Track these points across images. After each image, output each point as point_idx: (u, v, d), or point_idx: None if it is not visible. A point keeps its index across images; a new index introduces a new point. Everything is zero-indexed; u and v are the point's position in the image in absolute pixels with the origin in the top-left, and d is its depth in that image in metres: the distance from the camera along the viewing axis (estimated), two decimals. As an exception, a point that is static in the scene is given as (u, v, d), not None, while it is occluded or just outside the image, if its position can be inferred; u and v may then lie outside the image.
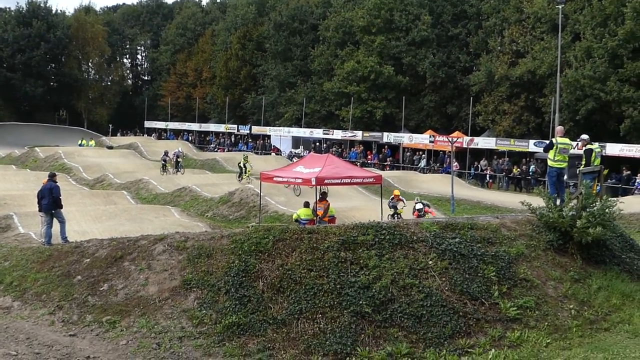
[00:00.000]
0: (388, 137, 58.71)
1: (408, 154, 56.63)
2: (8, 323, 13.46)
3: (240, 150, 68.88)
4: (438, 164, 53.44)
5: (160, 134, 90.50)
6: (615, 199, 17.81)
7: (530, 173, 45.15)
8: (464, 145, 50.66)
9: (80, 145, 69.66)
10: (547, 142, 19.72)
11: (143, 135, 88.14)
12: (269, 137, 72.78)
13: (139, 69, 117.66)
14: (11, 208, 29.60)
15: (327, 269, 13.65)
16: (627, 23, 42.13)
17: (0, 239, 24.31)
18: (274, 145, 70.37)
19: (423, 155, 55.21)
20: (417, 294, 13.34)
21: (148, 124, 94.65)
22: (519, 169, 46.40)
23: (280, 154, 65.78)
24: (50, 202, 19.32)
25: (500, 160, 48.85)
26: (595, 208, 15.17)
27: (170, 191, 37.72)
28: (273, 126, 73.77)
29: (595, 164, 18.13)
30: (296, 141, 69.65)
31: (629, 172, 40.23)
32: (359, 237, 14.46)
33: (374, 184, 29.51)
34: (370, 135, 60.57)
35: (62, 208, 19.70)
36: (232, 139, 78.27)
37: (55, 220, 19.49)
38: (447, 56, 60.34)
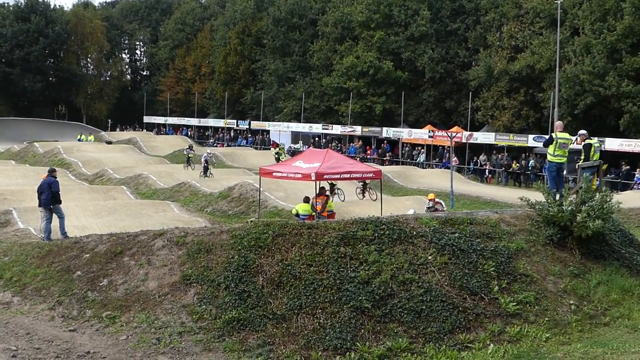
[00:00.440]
0: (387, 132, 58.72)
1: (407, 148, 56.60)
2: (8, 318, 13.47)
3: (239, 145, 68.90)
4: (437, 159, 53.43)
5: (159, 129, 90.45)
6: (613, 191, 17.78)
7: (530, 168, 45.15)
8: (463, 140, 50.66)
9: (79, 140, 69.61)
10: (547, 137, 19.72)
11: (142, 131, 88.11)
12: (268, 132, 72.75)
13: (138, 64, 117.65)
14: (10, 203, 29.57)
15: (327, 264, 13.65)
16: (625, 18, 42.14)
17: (-1, 234, 24.33)
18: (273, 140, 70.30)
19: (422, 150, 55.18)
20: (417, 289, 13.34)
21: (147, 119, 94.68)
22: (518, 164, 46.40)
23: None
24: (49, 197, 19.32)
25: (500, 155, 48.84)
26: (594, 202, 15.18)
27: (169, 186, 37.70)
28: (272, 121, 73.75)
29: (594, 159, 18.15)
30: (295, 136, 69.61)
31: (628, 167, 40.20)
32: (358, 232, 14.46)
33: (373, 179, 29.41)
34: (370, 130, 60.56)
35: (60, 203, 19.69)
36: (231, 134, 78.23)
37: (54, 216, 19.49)
38: (446, 51, 60.34)
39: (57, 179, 19.90)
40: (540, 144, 42.93)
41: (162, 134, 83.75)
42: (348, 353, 12.07)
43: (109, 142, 67.03)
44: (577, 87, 44.54)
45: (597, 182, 18.15)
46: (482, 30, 56.63)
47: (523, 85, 51.21)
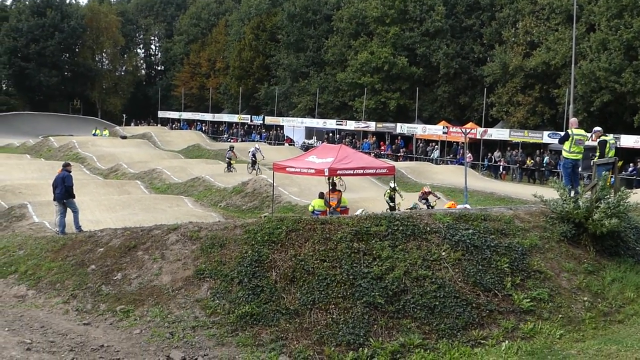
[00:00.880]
0: (401, 128, 58.60)
1: (421, 144, 56.47)
2: (23, 311, 13.55)
3: (253, 141, 68.86)
4: (451, 155, 53.28)
5: (174, 124, 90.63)
6: (629, 190, 17.64)
7: (544, 164, 44.96)
8: (478, 137, 50.50)
9: (94, 134, 69.83)
10: (562, 133, 19.61)
11: (157, 125, 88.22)
12: (282, 127, 72.73)
13: (153, 59, 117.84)
14: (26, 197, 29.77)
15: (340, 260, 13.65)
16: (643, 15, 41.88)
17: (15, 227, 24.47)
18: (287, 136, 70.33)
19: (436, 146, 55.07)
20: (430, 285, 13.32)
21: (161, 114, 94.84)
22: (532, 161, 46.20)
23: (294, 145, 65.72)
24: (62, 191, 19.37)
25: (514, 152, 48.66)
26: (610, 200, 15.10)
27: (183, 181, 37.79)
28: (286, 116, 73.74)
29: (609, 156, 18.02)
30: (309, 132, 69.56)
31: (643, 164, 40.01)
32: (371, 227, 14.44)
33: (386, 175, 29.34)
34: (384, 126, 60.44)
35: (74, 198, 19.72)
36: (245, 129, 78.30)
37: (69, 210, 19.57)
38: (460, 47, 60.10)
39: (71, 173, 19.92)
40: (555, 141, 42.78)
41: (177, 129, 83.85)
42: (361, 348, 12.07)
43: (124, 137, 67.20)
44: (592, 83, 44.29)
45: (612, 179, 18.03)
46: (498, 26, 56.35)
47: (538, 82, 50.96)
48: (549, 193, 16.75)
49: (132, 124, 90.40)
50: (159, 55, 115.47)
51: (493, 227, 15.03)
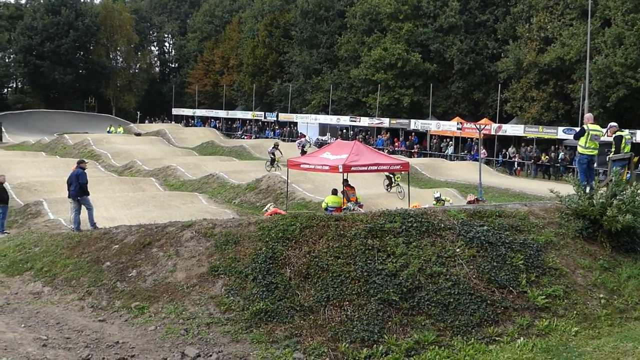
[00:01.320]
0: (415, 124, 58.48)
1: (435, 141, 56.35)
2: (39, 308, 13.62)
3: (267, 137, 68.90)
4: (465, 151, 53.13)
5: (188, 121, 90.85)
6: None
7: (559, 160, 44.74)
8: (492, 133, 50.33)
9: (108, 132, 70.18)
10: (578, 129, 19.50)
11: (170, 122, 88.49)
12: (295, 124, 72.74)
13: (167, 56, 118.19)
14: (41, 194, 29.95)
15: (354, 257, 13.64)
16: (659, 9, 41.58)
17: (30, 224, 24.65)
18: (300, 132, 70.32)
19: (450, 142, 54.92)
20: (445, 282, 13.29)
21: (175, 111, 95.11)
22: (547, 156, 45.99)
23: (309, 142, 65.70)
24: (76, 188, 19.46)
25: (529, 148, 48.44)
26: (625, 195, 15.00)
27: (197, 178, 37.88)
28: (300, 113, 73.74)
29: (625, 151, 17.89)
30: (323, 128, 69.54)
31: (659, 159, 39.71)
32: (386, 224, 14.41)
33: (400, 171, 29.37)
34: (398, 122, 60.34)
35: (88, 195, 19.79)
36: (259, 126, 78.35)
37: (83, 207, 19.65)
38: (474, 43, 59.87)
39: (85, 170, 19.98)
40: (570, 136, 42.51)
41: (191, 126, 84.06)
42: (375, 345, 12.06)
43: (138, 134, 67.43)
44: (608, 79, 44.00)
45: (628, 175, 17.91)
46: (512, 21, 56.09)
47: (552, 77, 50.68)
48: (565, 189, 16.67)
49: (146, 121, 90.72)
50: (173, 52, 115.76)
51: (508, 224, 14.97)
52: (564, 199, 15.76)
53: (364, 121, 63.85)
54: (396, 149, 56.85)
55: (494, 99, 56.25)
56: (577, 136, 17.72)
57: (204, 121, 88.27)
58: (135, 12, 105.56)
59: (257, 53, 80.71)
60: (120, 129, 72.46)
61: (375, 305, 12.75)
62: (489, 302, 13.07)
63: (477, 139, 43.33)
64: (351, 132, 64.11)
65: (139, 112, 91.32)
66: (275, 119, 76.04)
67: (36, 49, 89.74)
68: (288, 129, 71.36)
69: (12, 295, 14.47)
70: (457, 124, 53.58)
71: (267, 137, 69.19)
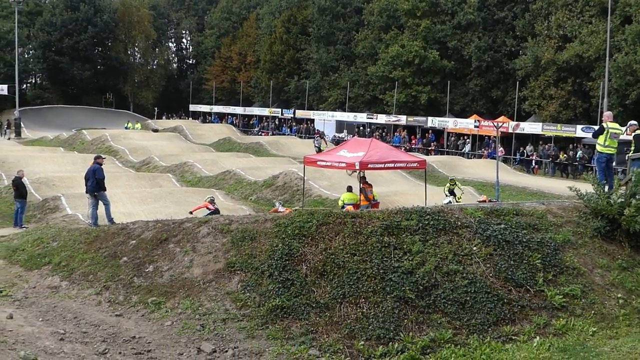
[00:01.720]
0: (432, 121, 58.29)
1: (452, 138, 56.20)
2: (56, 302, 13.71)
3: (284, 134, 68.95)
4: (483, 149, 52.93)
5: (205, 117, 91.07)
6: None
7: (578, 159, 44.47)
8: (510, 130, 50.10)
9: (126, 128, 70.48)
10: (596, 127, 19.39)
11: (188, 119, 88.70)
12: (312, 121, 72.73)
13: (184, 52, 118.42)
14: (59, 189, 30.15)
15: (371, 254, 13.62)
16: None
17: (49, 219, 24.84)
18: (317, 129, 70.32)
19: (468, 140, 54.74)
20: (461, 280, 13.25)
21: (193, 108, 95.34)
22: (565, 155, 45.72)
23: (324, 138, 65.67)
24: (93, 183, 19.56)
25: (547, 146, 48.19)
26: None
27: (214, 174, 37.96)
28: (317, 110, 73.73)
29: (644, 150, 17.74)
30: (340, 125, 69.49)
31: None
32: (402, 222, 14.38)
33: (417, 169, 29.31)
34: (415, 119, 60.21)
35: (105, 190, 19.88)
36: (276, 123, 78.43)
37: (101, 202, 19.76)
38: (492, 40, 59.62)
39: (102, 166, 20.08)
40: (589, 135, 42.30)
41: (208, 123, 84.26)
42: (391, 343, 12.04)
43: (156, 130, 67.66)
44: (628, 76, 43.69)
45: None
46: (531, 18, 55.75)
47: (571, 75, 50.38)
48: (583, 188, 16.55)
49: (164, 117, 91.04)
50: (190, 49, 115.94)
51: (525, 222, 14.89)
52: (583, 196, 15.64)
53: (381, 118, 63.74)
54: (413, 146, 56.72)
55: (512, 96, 55.99)
56: (596, 134, 17.60)
57: (221, 118, 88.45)
58: (153, 8, 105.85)
59: (275, 50, 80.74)
60: (138, 125, 72.74)
61: (391, 303, 12.74)
62: (505, 300, 13.02)
63: (495, 136, 43.14)
64: (368, 130, 64.04)
65: (156, 108, 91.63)
66: (292, 115, 76.09)
67: (55, 44, 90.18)
68: (305, 125, 71.36)
69: (31, 289, 14.57)
70: (475, 121, 53.37)
71: (284, 134, 69.24)
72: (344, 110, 69.35)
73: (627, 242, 14.93)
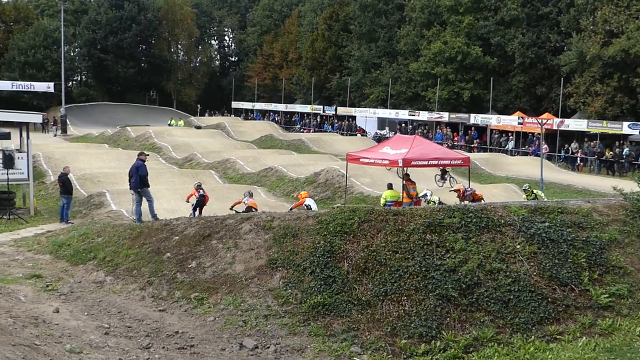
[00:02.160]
0: (475, 118, 57.76)
1: (496, 135, 55.60)
2: (101, 297, 13.91)
3: (325, 131, 68.91)
4: (527, 146, 52.31)
5: (247, 114, 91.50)
6: None
7: (624, 156, 43.69)
8: (554, 127, 49.39)
9: (169, 125, 71.11)
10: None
11: (230, 116, 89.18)
12: (354, 118, 72.60)
13: (227, 50, 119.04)
14: (104, 185, 30.54)
15: (413, 252, 13.57)
16: None
17: (94, 215, 25.18)
18: (359, 126, 70.17)
19: (511, 137, 54.15)
20: (505, 278, 13.12)
21: (235, 105, 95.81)
22: (611, 152, 44.95)
23: (366, 135, 65.57)
24: (137, 180, 19.72)
25: (592, 143, 47.41)
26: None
27: (256, 171, 38.10)
28: (358, 107, 73.58)
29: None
30: (381, 122, 69.27)
31: None
32: (445, 219, 14.29)
33: (461, 166, 29.05)
34: (457, 116, 59.71)
35: (148, 187, 20.01)
36: (318, 120, 78.47)
37: (144, 198, 19.94)
38: (537, 36, 58.83)
39: (144, 162, 20.18)
40: (636, 132, 41.54)
41: (250, 119, 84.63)
42: (433, 341, 11.99)
43: (198, 127, 68.15)
44: (676, 72, 42.83)
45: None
46: (575, 13, 54.88)
47: (617, 71, 49.45)
48: (629, 186, 16.27)
49: (207, 114, 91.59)
50: (233, 46, 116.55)
51: (570, 220, 14.69)
52: (628, 195, 15.38)
53: (423, 115, 63.32)
54: (455, 143, 56.28)
55: (557, 93, 55.18)
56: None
57: (263, 114, 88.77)
58: (196, 6, 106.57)
59: (316, 47, 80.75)
60: (181, 122, 73.35)
61: (434, 301, 12.67)
62: (550, 299, 12.87)
63: (539, 134, 42.60)
64: (410, 127, 63.73)
65: (199, 105, 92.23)
66: (333, 112, 76.03)
67: (100, 42, 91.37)
68: (347, 122, 71.26)
69: (76, 283, 14.81)
70: (518, 118, 52.75)
71: (325, 131, 69.19)
72: (386, 107, 69.08)
73: (676, 242, 14.65)
